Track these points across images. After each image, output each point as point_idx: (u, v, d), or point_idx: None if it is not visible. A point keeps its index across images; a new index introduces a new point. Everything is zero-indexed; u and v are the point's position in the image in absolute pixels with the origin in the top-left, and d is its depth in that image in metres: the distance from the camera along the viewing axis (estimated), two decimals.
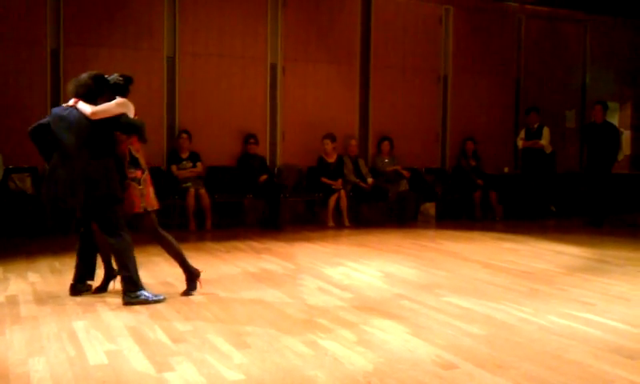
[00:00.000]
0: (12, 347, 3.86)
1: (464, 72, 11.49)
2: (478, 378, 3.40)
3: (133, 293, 4.86)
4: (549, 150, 10.87)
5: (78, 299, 5.02)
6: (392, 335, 4.14)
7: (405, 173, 10.53)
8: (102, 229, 4.95)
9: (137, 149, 5.13)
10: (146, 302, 4.85)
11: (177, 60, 9.55)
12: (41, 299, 5.03)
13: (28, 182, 8.46)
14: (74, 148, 4.86)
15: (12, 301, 4.97)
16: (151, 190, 5.16)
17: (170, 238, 5.24)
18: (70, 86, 5.10)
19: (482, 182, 10.81)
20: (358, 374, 3.44)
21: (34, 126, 5.03)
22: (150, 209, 5.12)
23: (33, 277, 5.84)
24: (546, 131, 10.82)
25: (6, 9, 8.64)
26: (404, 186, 10.50)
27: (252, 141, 9.77)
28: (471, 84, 11.55)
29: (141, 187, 5.07)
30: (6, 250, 7.20)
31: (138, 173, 5.09)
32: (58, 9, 8.86)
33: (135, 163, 5.09)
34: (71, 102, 5.01)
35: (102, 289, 5.27)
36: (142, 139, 5.15)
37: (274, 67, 10.17)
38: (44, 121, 5.04)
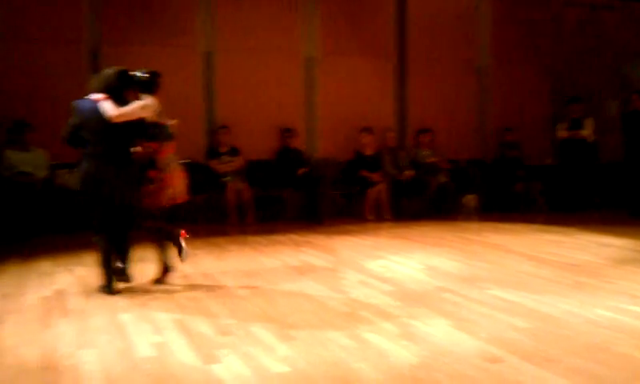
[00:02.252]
0: (61, 339, 3.95)
1: (502, 62, 11.31)
2: (524, 371, 3.37)
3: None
4: (591, 139, 10.65)
5: (125, 292, 5.11)
6: (435, 328, 4.12)
7: (445, 165, 10.45)
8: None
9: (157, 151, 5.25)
10: None
11: (214, 55, 9.62)
12: (88, 292, 5.13)
13: (73, 179, 8.61)
14: (92, 143, 5.02)
15: (60, 294, 5.09)
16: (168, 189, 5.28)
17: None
18: (95, 82, 5.15)
19: (523, 173, 10.67)
20: (404, 367, 3.44)
21: (67, 132, 5.12)
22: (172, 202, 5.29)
23: (80, 270, 5.96)
24: (589, 121, 10.58)
25: (46, 10, 8.79)
26: (444, 177, 10.41)
27: (289, 134, 9.81)
28: (509, 74, 11.37)
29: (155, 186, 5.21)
30: (54, 244, 7.35)
31: (154, 173, 5.22)
32: (97, 9, 9.00)
33: (152, 164, 5.22)
34: (96, 96, 5.04)
35: (159, 281, 5.35)
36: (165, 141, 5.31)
37: (309, 61, 10.16)
38: (74, 122, 5.10)
